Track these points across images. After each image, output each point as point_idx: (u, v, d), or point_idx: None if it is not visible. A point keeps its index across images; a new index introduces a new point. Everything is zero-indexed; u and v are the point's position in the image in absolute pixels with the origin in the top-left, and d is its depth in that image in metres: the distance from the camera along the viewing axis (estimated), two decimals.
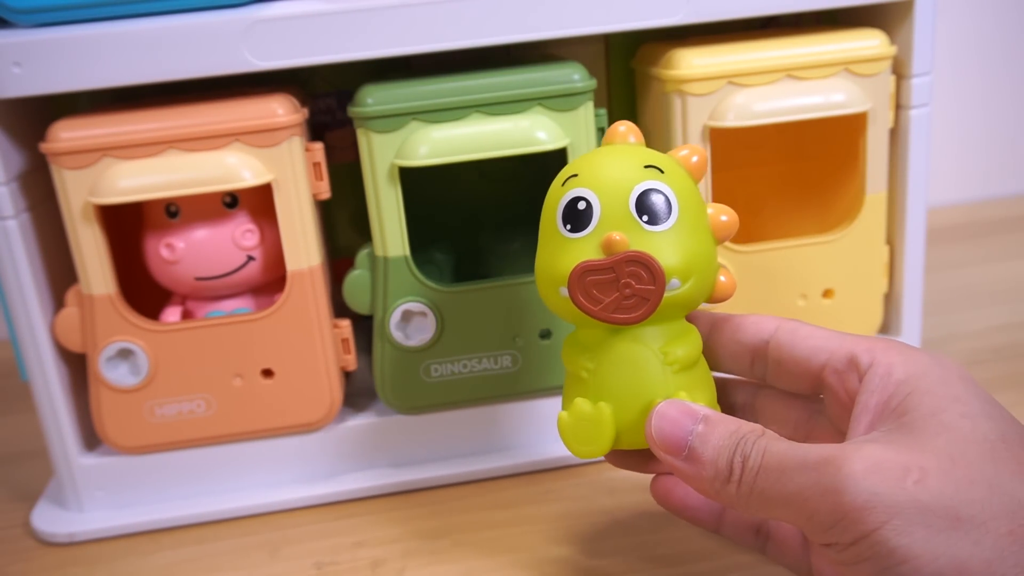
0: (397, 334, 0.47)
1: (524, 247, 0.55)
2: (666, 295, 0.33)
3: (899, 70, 0.49)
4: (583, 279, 0.33)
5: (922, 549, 0.27)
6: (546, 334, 0.48)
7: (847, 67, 0.47)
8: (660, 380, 0.35)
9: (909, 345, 0.33)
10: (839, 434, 0.35)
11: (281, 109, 0.44)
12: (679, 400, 0.33)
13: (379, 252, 0.47)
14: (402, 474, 0.49)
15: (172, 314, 0.48)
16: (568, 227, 0.34)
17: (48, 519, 0.48)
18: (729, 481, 0.31)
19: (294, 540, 0.46)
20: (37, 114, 0.47)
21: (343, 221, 0.58)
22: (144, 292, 0.49)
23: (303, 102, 0.46)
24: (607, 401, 0.35)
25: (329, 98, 0.56)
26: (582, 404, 0.35)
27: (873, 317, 0.52)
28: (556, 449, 0.50)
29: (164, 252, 0.46)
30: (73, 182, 0.43)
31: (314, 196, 0.46)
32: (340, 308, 0.49)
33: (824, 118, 0.47)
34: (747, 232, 0.54)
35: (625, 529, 0.45)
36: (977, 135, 0.86)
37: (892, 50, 0.48)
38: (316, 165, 0.45)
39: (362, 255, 0.47)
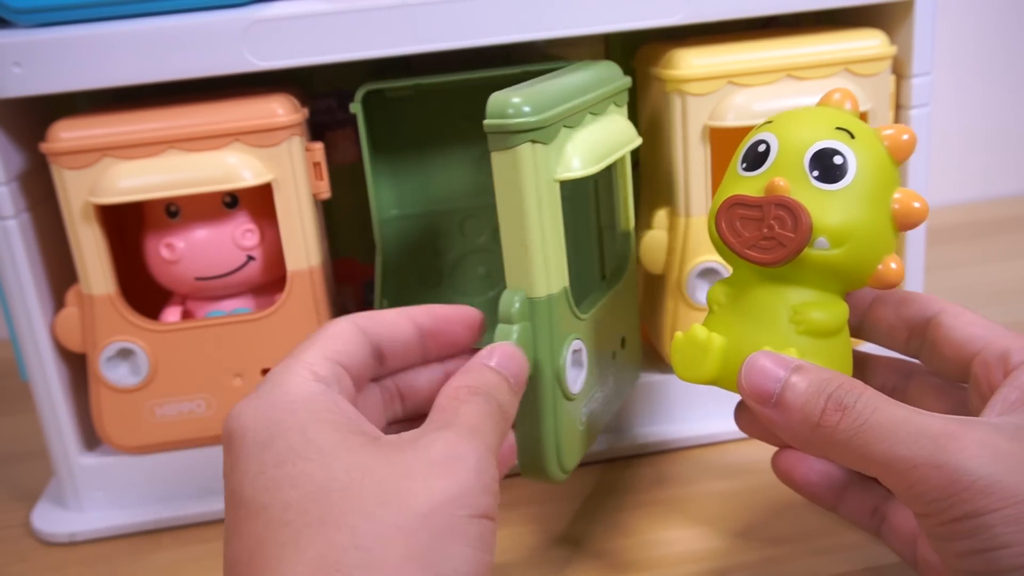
0: None
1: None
2: (812, 253, 0.33)
3: (899, 70, 0.49)
4: (731, 210, 0.34)
5: None
6: None
7: (847, 67, 0.47)
8: (780, 334, 0.34)
9: None
10: None
11: (281, 109, 0.44)
12: (774, 352, 0.32)
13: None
14: None
15: (172, 314, 0.48)
16: (744, 165, 0.35)
17: (48, 519, 0.48)
18: (819, 427, 0.30)
19: None
20: (37, 114, 0.47)
21: (343, 221, 0.58)
22: (144, 292, 0.49)
23: (303, 102, 0.46)
24: (725, 336, 0.35)
25: (329, 98, 0.56)
26: (697, 329, 0.35)
27: None
28: None
29: (164, 252, 0.46)
30: (73, 182, 0.43)
31: (314, 196, 0.46)
32: (340, 308, 0.49)
33: None
34: None
35: (626, 530, 0.45)
36: (977, 135, 0.86)
37: (892, 50, 0.48)
38: (316, 165, 0.45)
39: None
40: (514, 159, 0.35)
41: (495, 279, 0.57)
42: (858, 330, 0.38)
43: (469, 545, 0.27)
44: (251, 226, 0.47)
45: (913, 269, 0.51)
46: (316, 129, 0.55)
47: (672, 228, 0.48)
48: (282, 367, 0.31)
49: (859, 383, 0.31)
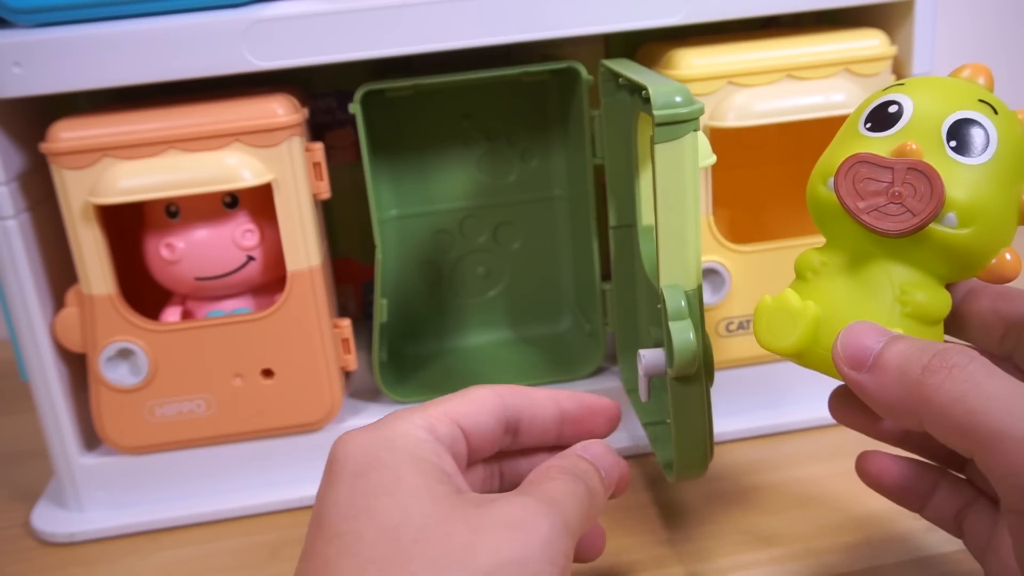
0: None
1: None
2: (937, 229, 0.30)
3: (899, 70, 0.49)
4: (854, 168, 0.30)
5: None
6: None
7: (847, 67, 0.47)
8: (883, 312, 0.32)
9: None
10: None
11: (281, 109, 0.44)
12: (874, 322, 0.30)
13: None
14: None
15: (172, 314, 0.48)
16: (868, 125, 0.32)
17: (48, 519, 0.48)
18: (919, 384, 0.27)
19: (294, 540, 0.46)
20: (37, 114, 0.47)
21: (343, 221, 0.58)
22: (144, 292, 0.49)
23: (303, 102, 0.46)
24: (821, 307, 0.32)
25: (329, 98, 0.56)
26: (790, 296, 0.33)
27: None
28: None
29: (164, 252, 0.46)
30: (73, 182, 0.43)
31: (314, 196, 0.46)
32: (340, 308, 0.49)
33: (824, 118, 0.47)
34: (747, 232, 0.54)
35: (626, 529, 0.45)
36: None
37: (892, 50, 0.48)
38: (316, 165, 0.45)
39: None
40: (681, 149, 0.35)
41: (494, 279, 0.57)
42: (949, 324, 0.35)
43: None
44: (251, 226, 0.47)
45: None
46: (316, 129, 0.55)
47: None
48: (405, 411, 0.32)
49: (972, 350, 0.28)
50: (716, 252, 0.49)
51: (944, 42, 0.70)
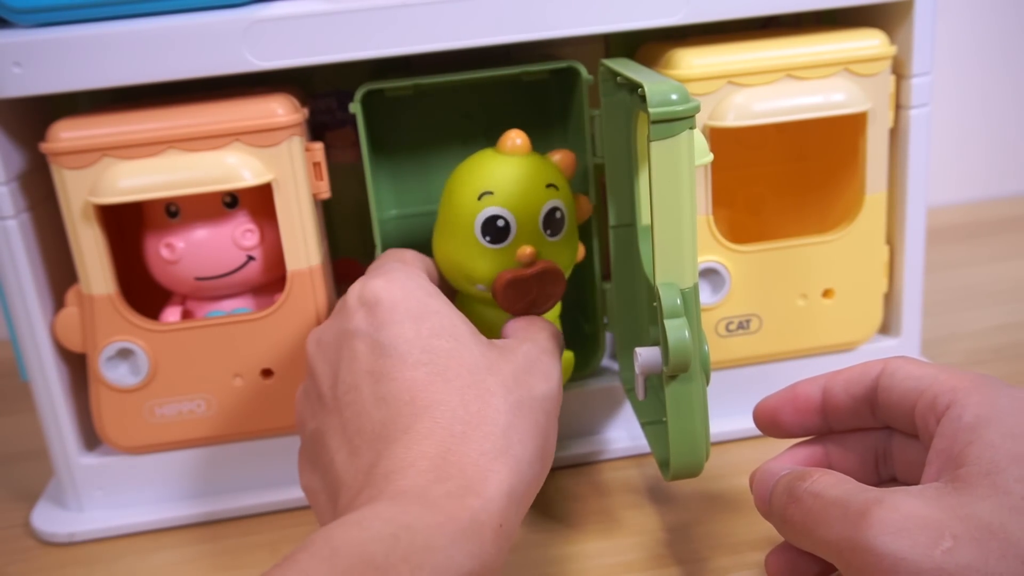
0: None
1: None
2: None
3: (899, 70, 0.49)
4: (508, 288, 0.41)
5: None
6: None
7: (847, 67, 0.47)
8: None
9: (997, 383, 0.32)
10: None
11: (281, 109, 0.44)
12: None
13: None
14: None
15: (172, 314, 0.48)
16: (488, 239, 0.41)
17: (48, 519, 0.48)
18: (770, 514, 0.34)
19: (294, 540, 0.46)
20: (37, 114, 0.47)
21: (343, 221, 0.58)
22: (144, 292, 0.49)
23: (303, 102, 0.46)
24: None
25: (329, 98, 0.56)
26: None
27: (873, 317, 0.52)
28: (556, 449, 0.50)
29: (164, 252, 0.46)
30: (73, 182, 0.43)
31: (314, 196, 0.46)
32: None
33: (824, 118, 0.47)
34: (747, 232, 0.54)
35: (626, 529, 0.45)
36: (977, 135, 0.86)
37: (892, 50, 0.48)
38: (316, 165, 0.46)
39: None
40: (677, 147, 0.35)
41: None
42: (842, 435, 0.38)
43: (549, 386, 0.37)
44: (251, 226, 0.47)
45: (913, 269, 0.51)
46: (316, 129, 0.55)
47: None
48: (402, 267, 0.38)
49: (814, 471, 0.33)
50: (716, 252, 0.49)
51: (944, 42, 0.70)
